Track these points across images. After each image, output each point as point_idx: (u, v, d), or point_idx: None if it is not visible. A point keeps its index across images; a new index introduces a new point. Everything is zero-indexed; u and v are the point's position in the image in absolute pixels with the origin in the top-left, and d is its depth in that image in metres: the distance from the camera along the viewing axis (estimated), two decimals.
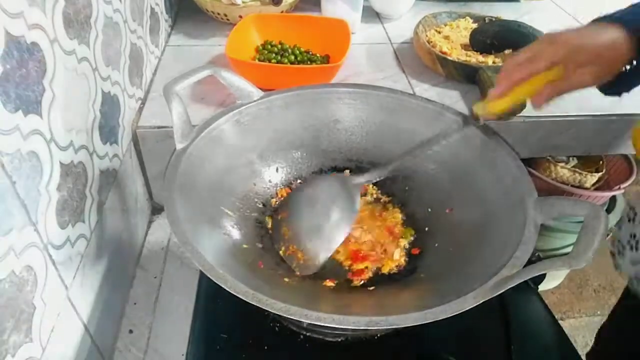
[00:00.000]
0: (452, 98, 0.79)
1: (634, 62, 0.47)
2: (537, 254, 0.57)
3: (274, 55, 0.83)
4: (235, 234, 0.52)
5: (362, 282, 0.52)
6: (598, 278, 1.54)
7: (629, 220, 0.66)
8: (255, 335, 0.53)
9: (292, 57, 0.83)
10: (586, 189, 1.10)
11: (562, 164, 1.10)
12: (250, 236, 0.54)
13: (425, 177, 0.59)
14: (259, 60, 0.83)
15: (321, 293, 0.50)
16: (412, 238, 0.56)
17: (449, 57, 0.81)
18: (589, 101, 0.79)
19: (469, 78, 0.79)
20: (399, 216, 0.59)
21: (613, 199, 1.21)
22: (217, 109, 0.60)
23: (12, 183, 0.36)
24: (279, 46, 0.85)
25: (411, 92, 0.80)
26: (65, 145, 0.45)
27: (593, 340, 0.85)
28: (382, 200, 0.61)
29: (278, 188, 0.61)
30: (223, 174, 0.55)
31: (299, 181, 0.62)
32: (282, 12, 0.96)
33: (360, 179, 0.56)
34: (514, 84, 0.48)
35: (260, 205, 0.58)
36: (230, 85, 0.56)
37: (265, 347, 0.51)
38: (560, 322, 0.57)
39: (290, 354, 0.52)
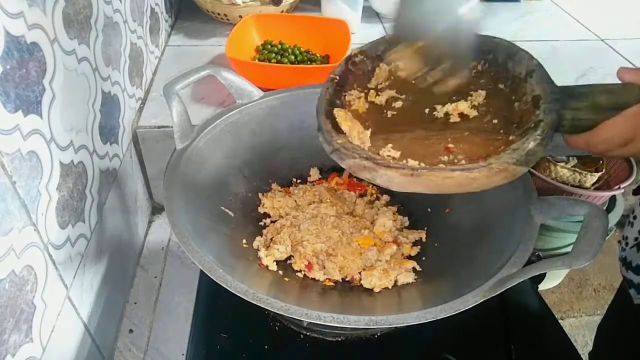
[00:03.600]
0: None
1: None
2: (537, 253, 0.57)
3: (273, 55, 0.83)
4: (235, 233, 0.52)
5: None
6: (598, 277, 1.54)
7: None
8: (255, 335, 0.52)
9: (292, 57, 0.83)
10: (586, 188, 1.09)
11: (562, 164, 1.09)
12: (250, 236, 0.54)
13: None
14: (259, 60, 0.83)
15: (321, 292, 0.50)
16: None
17: None
18: None
19: None
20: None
21: (613, 199, 1.21)
22: (217, 109, 0.60)
23: (12, 183, 0.36)
24: (279, 46, 0.85)
25: None
26: (65, 145, 0.45)
27: (593, 339, 0.85)
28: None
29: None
30: (223, 174, 0.55)
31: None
32: (282, 12, 0.96)
33: None
34: None
35: (260, 205, 0.58)
36: (230, 85, 0.56)
37: (265, 347, 0.51)
38: (560, 321, 0.57)
39: (290, 354, 0.52)
